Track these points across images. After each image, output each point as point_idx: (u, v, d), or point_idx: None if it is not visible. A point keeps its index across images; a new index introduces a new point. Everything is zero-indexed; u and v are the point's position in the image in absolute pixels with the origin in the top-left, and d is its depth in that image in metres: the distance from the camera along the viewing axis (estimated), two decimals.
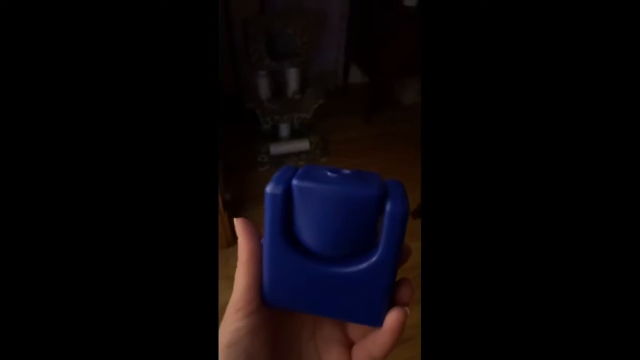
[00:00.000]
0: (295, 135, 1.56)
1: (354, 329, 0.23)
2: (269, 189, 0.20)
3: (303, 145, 1.51)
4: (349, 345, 0.23)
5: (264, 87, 1.44)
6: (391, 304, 0.21)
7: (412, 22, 1.51)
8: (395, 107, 1.93)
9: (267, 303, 0.21)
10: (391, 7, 1.54)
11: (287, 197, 0.20)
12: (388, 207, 0.19)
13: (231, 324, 0.20)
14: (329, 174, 0.20)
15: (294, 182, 0.19)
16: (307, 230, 0.20)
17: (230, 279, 0.21)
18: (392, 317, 0.20)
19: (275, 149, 1.49)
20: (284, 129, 1.53)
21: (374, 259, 0.20)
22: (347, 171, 0.20)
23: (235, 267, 0.22)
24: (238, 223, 0.22)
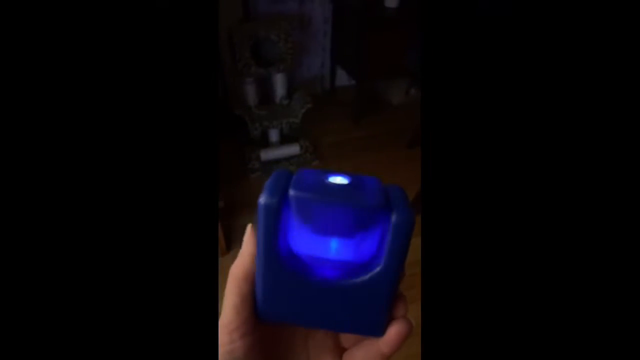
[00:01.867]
0: (285, 140, 1.57)
1: (348, 337, 0.23)
2: (262, 199, 0.18)
3: (293, 149, 1.52)
4: (342, 353, 0.23)
5: (251, 93, 1.44)
6: (391, 314, 0.20)
7: (394, 23, 1.53)
8: (382, 108, 1.94)
9: (261, 318, 0.20)
10: (373, 9, 1.56)
11: (283, 209, 0.18)
12: (394, 218, 0.18)
13: (224, 345, 0.19)
14: (327, 181, 0.18)
15: (291, 192, 0.18)
16: (304, 243, 0.19)
17: (224, 287, 0.20)
18: (396, 328, 0.20)
19: (266, 154, 1.49)
20: (274, 135, 1.53)
21: (376, 270, 0.19)
22: (346, 178, 0.19)
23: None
24: (249, 230, 0.21)
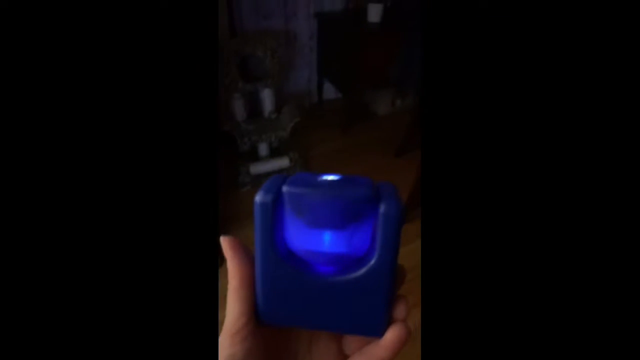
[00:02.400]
0: (274, 153, 1.58)
1: (350, 343, 0.23)
2: (258, 198, 0.19)
3: (283, 162, 1.53)
4: (345, 359, 0.23)
5: (239, 108, 1.46)
6: (391, 313, 0.20)
7: (377, 37, 1.58)
8: (369, 119, 1.98)
9: (262, 322, 0.20)
10: (356, 24, 1.61)
11: (277, 206, 0.19)
12: (382, 208, 0.18)
13: (225, 349, 0.20)
14: (319, 179, 0.19)
15: (284, 188, 0.19)
16: (300, 239, 0.20)
17: (220, 298, 0.21)
18: (394, 332, 0.20)
19: (256, 168, 1.49)
20: (263, 148, 1.54)
21: (371, 263, 0.19)
22: (337, 176, 0.20)
23: (224, 286, 0.21)
24: (225, 243, 0.21)
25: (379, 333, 0.20)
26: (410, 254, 1.19)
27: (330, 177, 0.20)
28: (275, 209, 0.19)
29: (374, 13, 1.57)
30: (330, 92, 2.03)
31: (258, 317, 0.21)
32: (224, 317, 0.20)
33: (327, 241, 0.19)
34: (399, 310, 0.20)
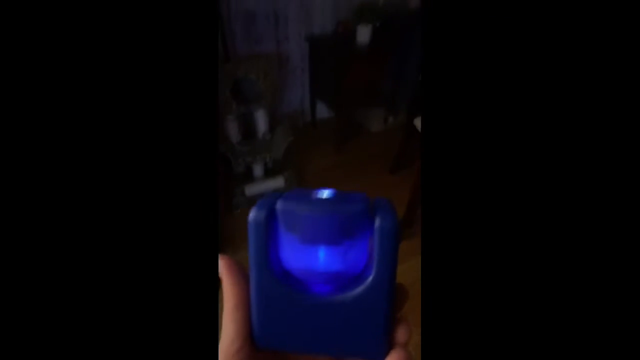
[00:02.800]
0: (269, 173, 1.58)
1: None
2: (251, 216, 0.19)
3: (278, 182, 1.53)
4: None
5: (233, 130, 1.47)
6: (391, 336, 0.20)
7: (367, 56, 1.62)
8: (363, 137, 2.00)
9: (258, 346, 0.20)
10: (346, 45, 1.65)
11: (271, 223, 0.19)
12: (377, 222, 0.18)
13: None
14: (313, 195, 0.19)
15: (278, 204, 0.19)
16: (295, 257, 0.19)
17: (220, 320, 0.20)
18: (393, 359, 0.19)
19: (250, 189, 1.49)
20: (258, 169, 1.54)
21: (368, 280, 0.19)
22: (331, 192, 0.19)
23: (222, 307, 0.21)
24: (221, 263, 0.21)
25: (379, 357, 0.19)
26: (406, 272, 1.18)
27: (325, 193, 0.19)
28: (269, 227, 0.19)
29: (363, 34, 1.61)
30: (323, 111, 2.06)
31: (254, 341, 0.20)
32: None
33: (323, 259, 0.19)
34: (400, 334, 0.19)
